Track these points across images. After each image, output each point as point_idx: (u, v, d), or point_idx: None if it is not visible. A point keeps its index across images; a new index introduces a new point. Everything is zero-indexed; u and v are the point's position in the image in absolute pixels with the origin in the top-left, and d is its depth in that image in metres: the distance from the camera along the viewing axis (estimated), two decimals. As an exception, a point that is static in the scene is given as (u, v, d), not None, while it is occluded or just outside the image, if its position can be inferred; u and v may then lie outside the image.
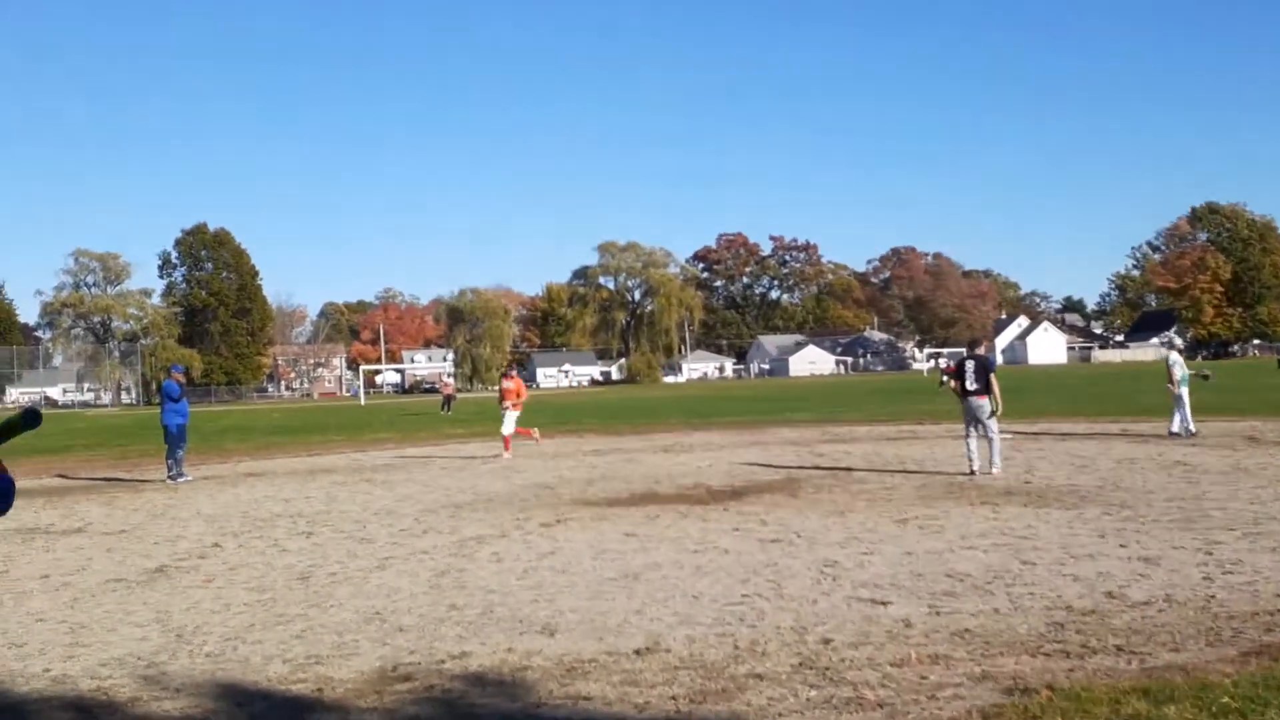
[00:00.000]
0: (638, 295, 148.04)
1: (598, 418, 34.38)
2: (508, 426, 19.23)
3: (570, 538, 9.24)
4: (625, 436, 23.64)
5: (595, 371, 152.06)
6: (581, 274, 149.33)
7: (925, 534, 8.82)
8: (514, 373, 20.38)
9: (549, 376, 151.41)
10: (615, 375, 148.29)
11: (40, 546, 10.04)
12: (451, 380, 54.62)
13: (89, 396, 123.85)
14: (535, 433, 21.46)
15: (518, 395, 19.64)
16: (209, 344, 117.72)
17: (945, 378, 14.84)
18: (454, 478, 15.36)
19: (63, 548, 9.95)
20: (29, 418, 4.39)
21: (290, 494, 14.06)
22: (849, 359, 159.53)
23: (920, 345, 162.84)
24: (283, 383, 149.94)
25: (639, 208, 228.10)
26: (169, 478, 16.19)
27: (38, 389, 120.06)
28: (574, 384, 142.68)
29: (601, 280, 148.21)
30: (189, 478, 16.32)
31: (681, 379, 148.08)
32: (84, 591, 7.65)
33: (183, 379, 17.21)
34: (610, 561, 8.03)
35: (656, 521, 10.02)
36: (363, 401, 78.17)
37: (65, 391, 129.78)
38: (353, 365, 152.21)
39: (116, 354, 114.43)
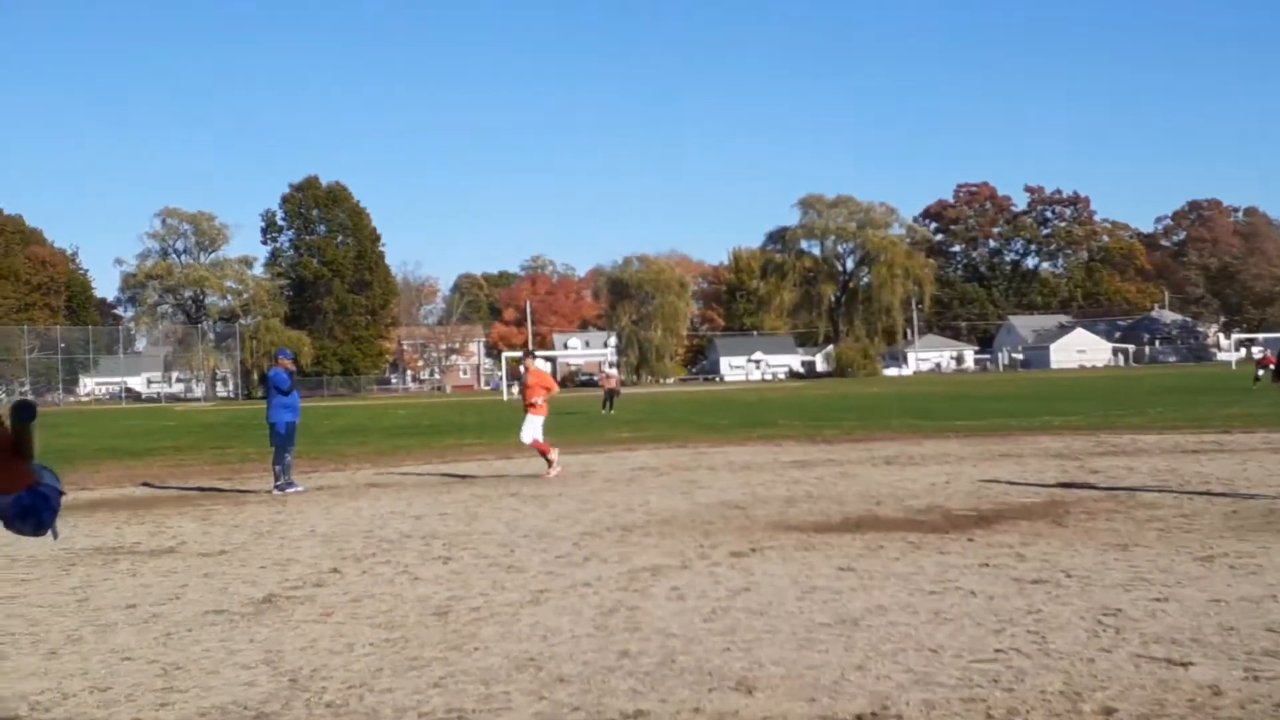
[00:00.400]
0: (850, 264, 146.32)
1: (799, 419, 34.23)
2: (528, 432, 18.27)
3: (769, 571, 9.22)
4: (835, 445, 23.48)
5: (795, 362, 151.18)
6: (778, 237, 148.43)
7: (1237, 575, 8.43)
8: (533, 360, 19.04)
9: (735, 368, 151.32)
10: (820, 366, 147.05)
11: (125, 570, 10.56)
12: (614, 371, 55.39)
13: (178, 389, 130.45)
14: (554, 455, 18.35)
15: (545, 391, 18.56)
16: (321, 325, 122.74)
17: (1262, 371, 14.10)
18: (619, 492, 15.52)
19: (151, 571, 10.43)
20: (20, 411, 4.44)
21: (421, 509, 14.40)
22: (1130, 346, 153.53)
23: (1227, 329, 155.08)
24: (408, 373, 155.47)
25: (850, 153, 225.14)
26: (275, 488, 16.93)
27: (117, 378, 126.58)
28: (767, 377, 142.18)
29: (804, 245, 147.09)
30: (300, 488, 17.05)
31: (907, 371, 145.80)
32: (178, 625, 8.02)
33: (292, 366, 17.84)
34: (821, 603, 7.97)
35: (880, 553, 9.90)
36: (506, 396, 79.99)
37: (150, 382, 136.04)
38: (493, 351, 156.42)
39: (211, 336, 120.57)
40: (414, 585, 9.23)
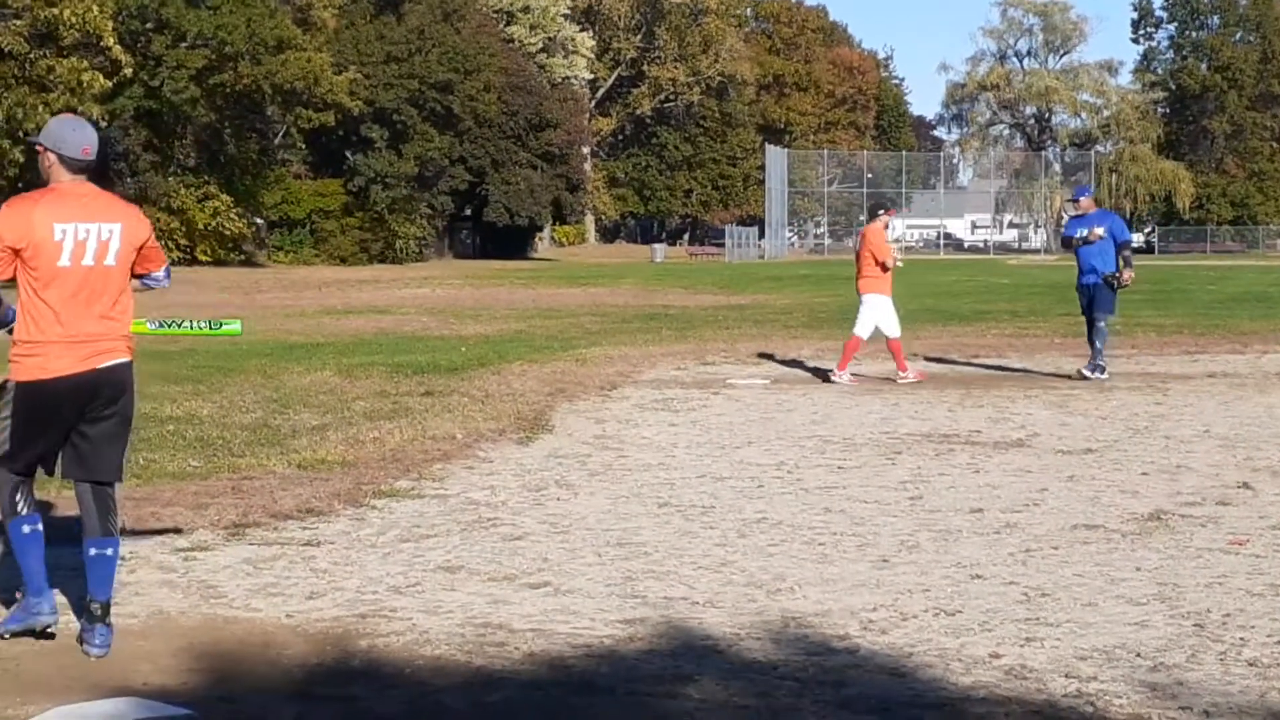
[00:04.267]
0: None
1: None
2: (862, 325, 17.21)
3: None
4: None
5: None
6: None
7: None
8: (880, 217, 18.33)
9: None
10: None
11: (964, 464, 11.21)
12: None
13: (1010, 236, 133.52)
14: (909, 368, 17.40)
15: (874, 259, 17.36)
16: (1206, 155, 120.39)
17: None
18: None
19: (998, 468, 10.97)
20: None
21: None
22: None
23: None
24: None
25: None
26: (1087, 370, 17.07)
27: (933, 221, 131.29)
28: None
29: None
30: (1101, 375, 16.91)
31: None
32: (1039, 539, 8.37)
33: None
34: None
35: None
36: None
37: (974, 227, 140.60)
38: None
39: (1058, 168, 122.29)
40: (1366, 513, 9.05)
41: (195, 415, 13.32)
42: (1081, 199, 18.17)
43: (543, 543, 8.24)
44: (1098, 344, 17.03)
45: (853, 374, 16.98)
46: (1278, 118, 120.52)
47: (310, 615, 6.70)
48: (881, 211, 18.40)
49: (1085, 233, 17.00)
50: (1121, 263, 16.91)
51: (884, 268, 17.13)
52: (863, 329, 17.03)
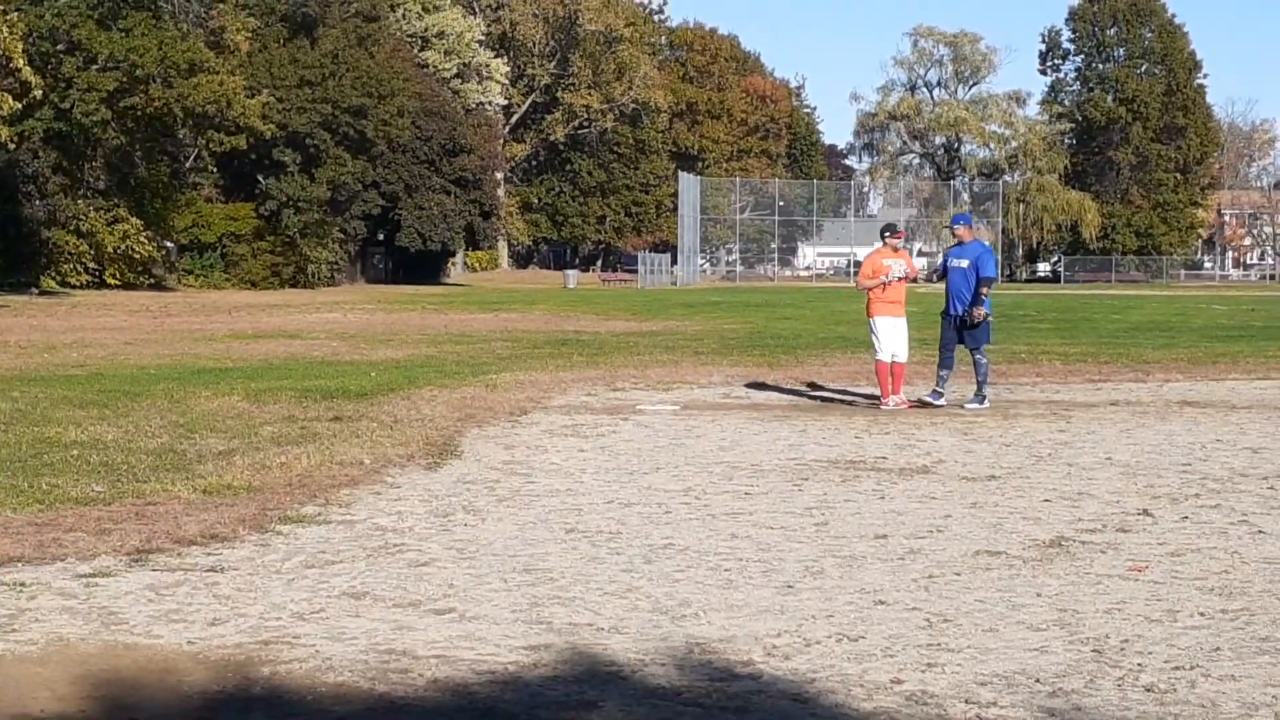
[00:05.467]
0: None
1: None
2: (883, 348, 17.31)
3: None
4: None
5: None
6: None
7: None
8: (888, 237, 17.91)
9: None
10: None
11: (870, 490, 11.23)
12: None
13: (920, 264, 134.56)
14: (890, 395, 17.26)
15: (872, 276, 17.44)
16: (1111, 186, 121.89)
17: None
18: None
19: (903, 495, 11.01)
20: None
21: (1258, 439, 14.29)
22: None
23: None
24: (1229, 254, 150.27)
25: None
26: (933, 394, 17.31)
27: (843, 249, 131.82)
28: None
29: None
30: (982, 404, 17.03)
31: None
32: (942, 565, 8.42)
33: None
34: None
35: None
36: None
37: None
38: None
39: (966, 197, 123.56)
40: (1257, 541, 9.15)
41: (100, 440, 13.13)
42: (958, 227, 18.08)
43: (449, 569, 8.20)
44: (979, 375, 17.14)
45: (906, 399, 17.23)
46: (1181, 149, 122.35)
47: (212, 642, 6.61)
48: (888, 234, 18.00)
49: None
50: (979, 297, 16.87)
51: (881, 288, 17.21)
52: (882, 353, 17.18)
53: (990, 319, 17.16)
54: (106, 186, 61.71)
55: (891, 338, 17.09)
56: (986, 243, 19.82)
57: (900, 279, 17.34)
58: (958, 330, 17.14)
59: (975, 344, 17.06)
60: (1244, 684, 6.08)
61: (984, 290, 16.90)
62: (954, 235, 18.16)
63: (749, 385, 19.64)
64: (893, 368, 17.10)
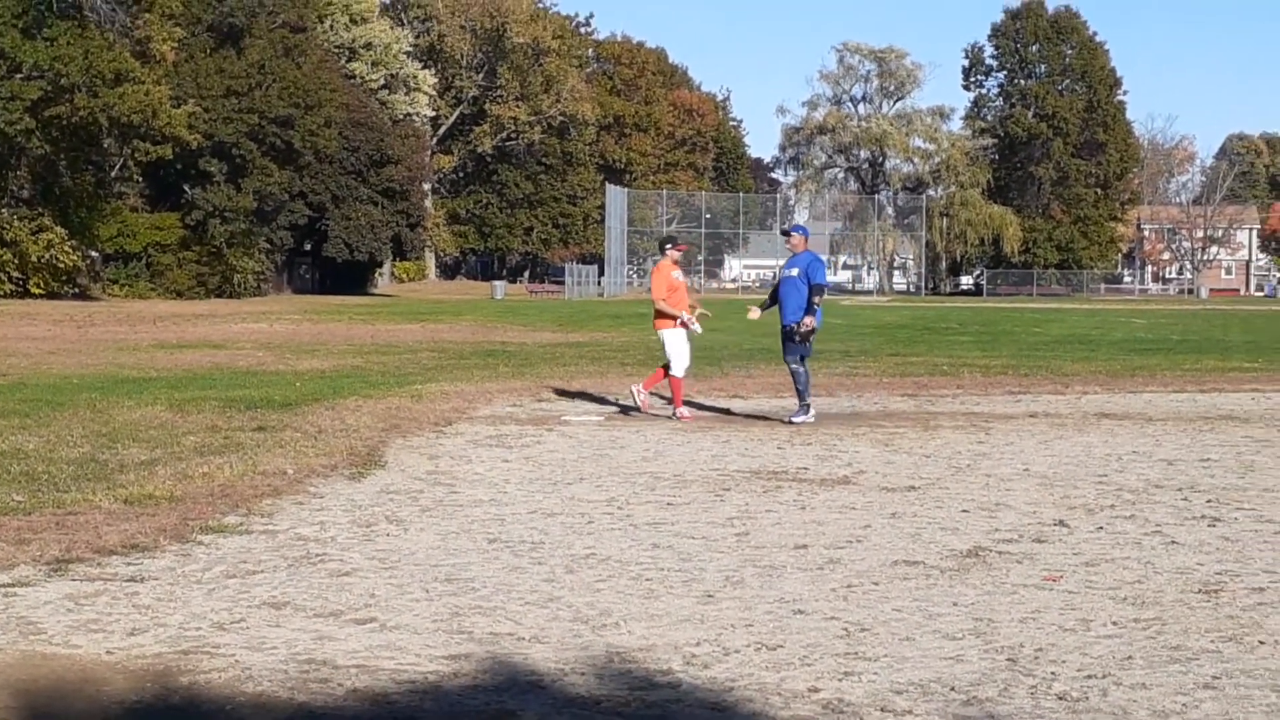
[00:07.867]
0: None
1: None
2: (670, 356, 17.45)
3: None
4: None
5: None
6: None
7: None
8: (668, 253, 18.01)
9: None
10: None
11: (790, 501, 11.29)
12: None
13: (844, 277, 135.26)
14: (684, 409, 17.46)
15: (667, 293, 17.49)
16: (1033, 201, 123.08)
17: None
18: None
19: (824, 505, 11.07)
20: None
21: (1174, 451, 14.40)
22: None
23: None
24: (1148, 268, 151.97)
25: None
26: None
27: (768, 261, 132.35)
28: None
29: None
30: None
31: None
32: (861, 575, 8.48)
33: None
34: None
35: None
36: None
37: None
38: (1272, 244, 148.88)
39: (890, 211, 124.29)
40: (1170, 552, 9.25)
41: (21, 449, 12.99)
42: (794, 236, 17.64)
43: (370, 579, 8.17)
44: (799, 386, 16.88)
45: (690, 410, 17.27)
46: (1102, 165, 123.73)
47: (131, 652, 6.56)
48: (669, 246, 18.09)
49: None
50: (811, 306, 16.66)
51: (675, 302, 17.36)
52: (677, 367, 17.17)
53: (817, 331, 16.98)
54: (31, 195, 61.14)
55: (687, 350, 17.41)
56: (823, 257, 19.47)
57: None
58: (782, 341, 17.04)
59: (794, 355, 16.82)
60: (1155, 692, 6.16)
61: (815, 300, 16.67)
62: (788, 245, 17.70)
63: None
64: (675, 379, 17.30)
